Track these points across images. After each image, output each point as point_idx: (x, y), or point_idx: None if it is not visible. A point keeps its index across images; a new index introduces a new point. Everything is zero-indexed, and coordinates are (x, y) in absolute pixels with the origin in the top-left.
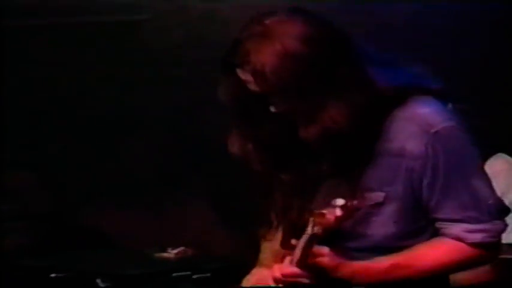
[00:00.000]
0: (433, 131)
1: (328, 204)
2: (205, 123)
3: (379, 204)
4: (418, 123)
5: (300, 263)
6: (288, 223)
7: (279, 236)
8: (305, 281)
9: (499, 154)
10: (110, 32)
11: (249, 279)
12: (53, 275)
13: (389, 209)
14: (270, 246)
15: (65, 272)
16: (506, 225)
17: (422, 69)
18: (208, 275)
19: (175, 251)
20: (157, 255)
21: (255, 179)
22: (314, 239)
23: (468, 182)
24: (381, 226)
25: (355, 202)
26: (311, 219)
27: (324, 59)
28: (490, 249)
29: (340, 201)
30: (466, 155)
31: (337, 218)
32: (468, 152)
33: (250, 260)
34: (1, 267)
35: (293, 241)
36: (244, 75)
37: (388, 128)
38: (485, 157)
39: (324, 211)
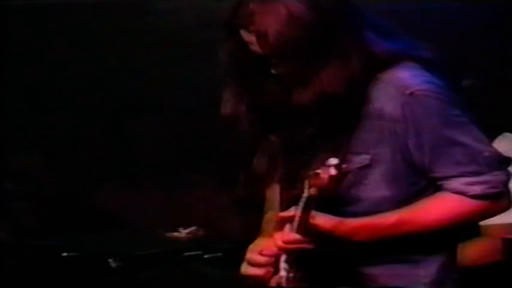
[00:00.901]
0: (407, 92)
1: (322, 164)
2: (216, 104)
3: (367, 167)
4: (396, 85)
5: (299, 228)
6: (283, 193)
7: (278, 205)
8: (308, 246)
9: (505, 134)
10: (120, 11)
11: (253, 249)
12: (64, 254)
13: (379, 172)
14: (272, 217)
15: (76, 252)
16: (509, 175)
17: (416, 40)
18: (220, 254)
19: (186, 231)
20: (169, 235)
21: (240, 142)
22: (311, 202)
23: (456, 139)
24: (373, 189)
25: (344, 165)
26: (306, 181)
27: (326, 22)
28: (493, 200)
29: (333, 161)
30: (446, 114)
31: (331, 177)
32: (450, 112)
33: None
34: (14, 247)
35: (292, 208)
36: (247, 37)
37: (371, 90)
38: (493, 136)
39: (318, 171)
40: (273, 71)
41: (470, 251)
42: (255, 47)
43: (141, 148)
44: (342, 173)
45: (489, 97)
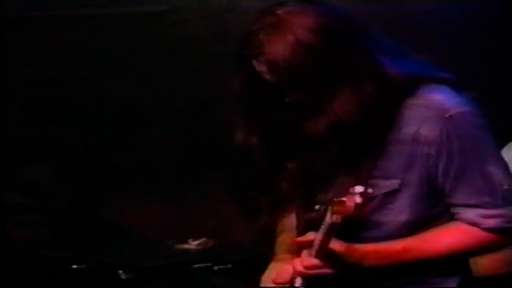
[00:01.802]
0: (447, 115)
1: (347, 192)
2: (225, 115)
3: (395, 192)
4: (433, 108)
5: (319, 254)
6: (300, 216)
7: (292, 229)
8: (327, 271)
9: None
10: (129, 23)
11: (268, 275)
12: (74, 267)
13: (405, 196)
14: (285, 240)
15: (86, 264)
16: None
17: (431, 61)
18: (230, 266)
19: (196, 242)
20: (178, 246)
21: (257, 171)
22: (333, 228)
23: (482, 167)
24: (397, 213)
25: (370, 190)
26: (329, 208)
27: (336, 49)
28: (505, 234)
29: (359, 188)
30: (480, 140)
31: (357, 205)
32: (482, 138)
33: (271, 252)
34: (23, 259)
35: (310, 233)
36: (258, 67)
37: (401, 116)
38: (500, 146)
39: (344, 199)
40: (286, 100)
41: (484, 262)
42: (268, 77)
43: (150, 159)
44: (366, 201)
45: (490, 108)
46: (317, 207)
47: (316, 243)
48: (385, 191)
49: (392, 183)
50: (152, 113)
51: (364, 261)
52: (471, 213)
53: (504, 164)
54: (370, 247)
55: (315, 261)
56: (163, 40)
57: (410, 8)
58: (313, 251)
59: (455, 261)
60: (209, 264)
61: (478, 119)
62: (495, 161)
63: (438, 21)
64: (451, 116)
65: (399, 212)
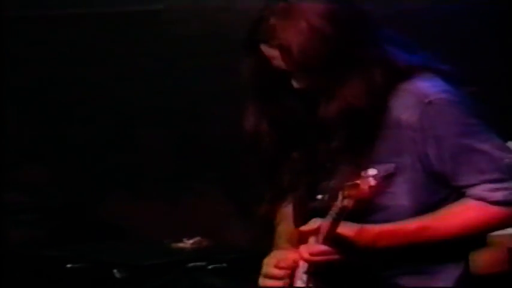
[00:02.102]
0: (426, 100)
1: (354, 178)
2: (221, 114)
3: (392, 175)
4: (414, 94)
5: (327, 240)
6: (300, 203)
7: (290, 219)
8: (334, 257)
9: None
10: (125, 22)
11: (269, 262)
12: (69, 266)
13: (402, 180)
14: (284, 230)
15: (82, 263)
16: None
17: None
18: (224, 265)
19: (191, 241)
20: (173, 245)
21: (262, 159)
22: (343, 213)
23: (476, 146)
24: (398, 198)
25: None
26: (340, 192)
27: (348, 36)
28: None
29: (372, 171)
30: (465, 122)
31: (371, 187)
32: (468, 120)
33: (265, 250)
34: (18, 258)
35: (315, 220)
36: (268, 52)
37: (390, 100)
38: None
39: (358, 181)
40: (295, 86)
41: (477, 261)
42: (278, 62)
43: (146, 159)
44: (380, 184)
45: (488, 103)
46: (320, 196)
47: (324, 229)
48: (382, 174)
49: (388, 167)
50: (148, 112)
51: (376, 243)
52: (478, 189)
53: (499, 140)
54: (383, 227)
55: (322, 248)
56: (159, 39)
57: (410, 8)
58: (321, 238)
59: (454, 249)
60: (204, 263)
61: (460, 103)
62: (487, 138)
63: (437, 20)
64: (430, 102)
65: (400, 196)
